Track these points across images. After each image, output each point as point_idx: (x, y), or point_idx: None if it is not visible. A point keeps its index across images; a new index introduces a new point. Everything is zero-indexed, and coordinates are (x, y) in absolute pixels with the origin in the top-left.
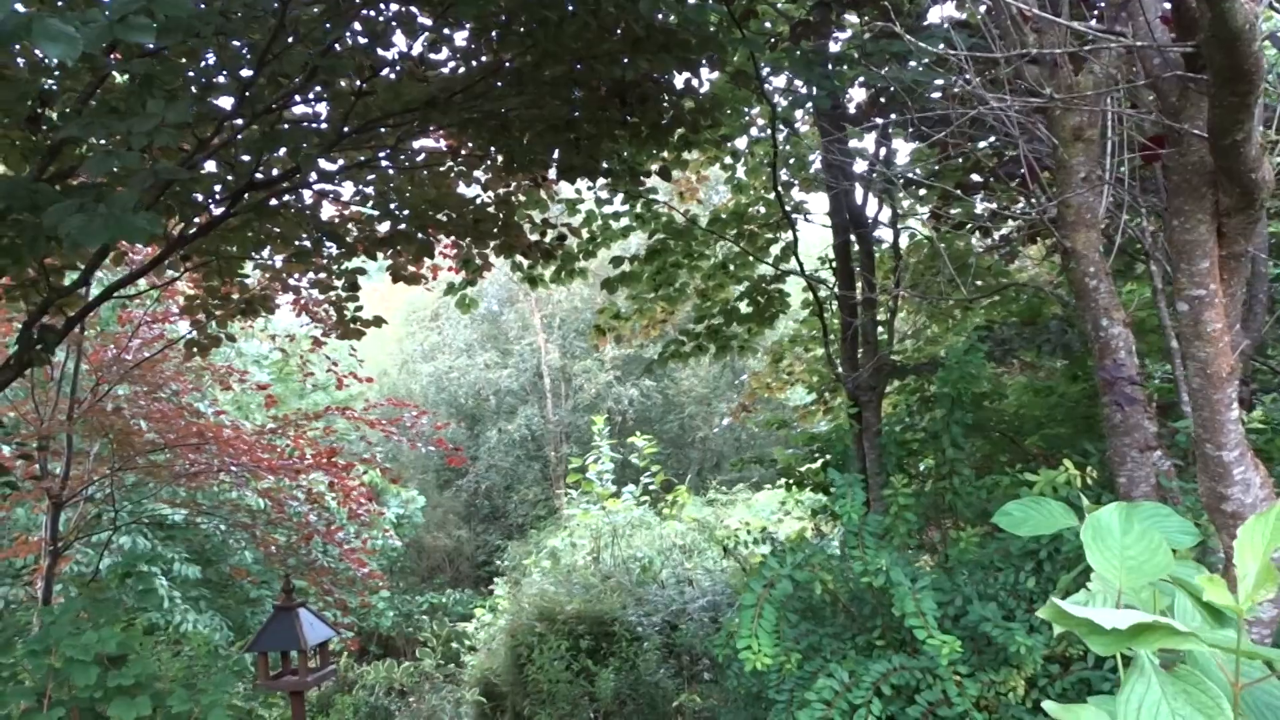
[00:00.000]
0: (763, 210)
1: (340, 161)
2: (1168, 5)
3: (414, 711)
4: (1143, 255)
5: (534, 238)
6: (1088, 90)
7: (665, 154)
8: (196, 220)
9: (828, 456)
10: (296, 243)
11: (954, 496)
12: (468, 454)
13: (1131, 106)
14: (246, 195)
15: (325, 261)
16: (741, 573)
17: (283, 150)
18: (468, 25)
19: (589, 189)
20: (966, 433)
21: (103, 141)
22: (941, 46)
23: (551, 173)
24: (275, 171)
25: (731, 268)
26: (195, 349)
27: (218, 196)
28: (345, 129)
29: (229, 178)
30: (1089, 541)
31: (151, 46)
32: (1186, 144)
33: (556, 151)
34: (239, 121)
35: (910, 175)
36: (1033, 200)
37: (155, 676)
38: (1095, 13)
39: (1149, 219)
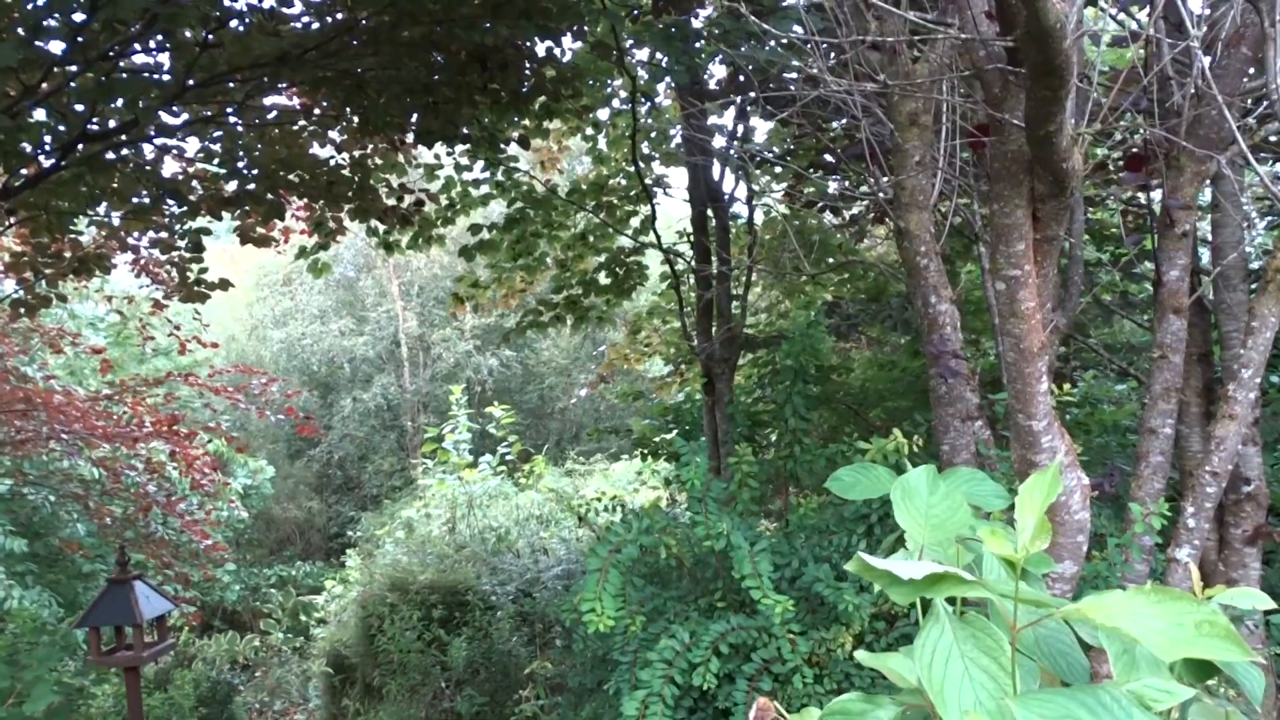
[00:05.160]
0: (623, 182)
1: (184, 116)
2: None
3: (259, 685)
4: (974, 237)
5: (391, 202)
6: (922, 78)
7: (526, 122)
8: (24, 171)
9: (682, 426)
10: (135, 199)
11: (795, 465)
12: (320, 423)
13: (963, 96)
14: (80, 147)
15: (167, 220)
16: (596, 541)
17: (120, 101)
18: None
19: (448, 154)
20: (813, 404)
21: None
22: (796, 29)
23: (409, 136)
24: (112, 123)
25: (591, 239)
26: (22, 309)
27: (48, 147)
28: (189, 81)
29: (60, 128)
30: (898, 501)
31: None
32: (1007, 133)
33: (415, 115)
34: (72, 68)
35: (766, 153)
36: (873, 181)
37: None
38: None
39: (979, 203)
